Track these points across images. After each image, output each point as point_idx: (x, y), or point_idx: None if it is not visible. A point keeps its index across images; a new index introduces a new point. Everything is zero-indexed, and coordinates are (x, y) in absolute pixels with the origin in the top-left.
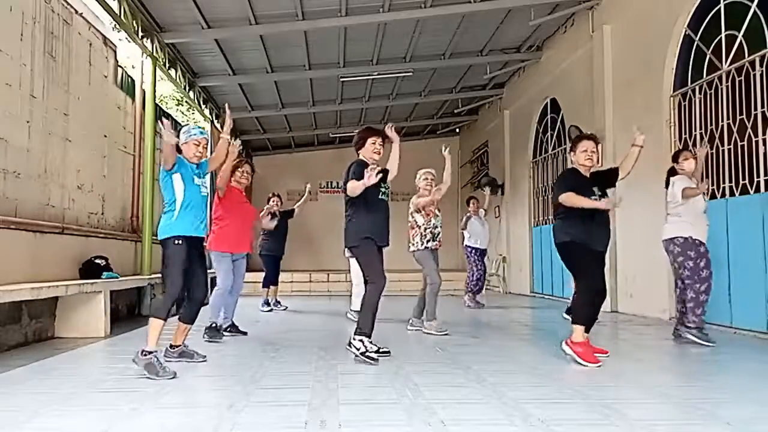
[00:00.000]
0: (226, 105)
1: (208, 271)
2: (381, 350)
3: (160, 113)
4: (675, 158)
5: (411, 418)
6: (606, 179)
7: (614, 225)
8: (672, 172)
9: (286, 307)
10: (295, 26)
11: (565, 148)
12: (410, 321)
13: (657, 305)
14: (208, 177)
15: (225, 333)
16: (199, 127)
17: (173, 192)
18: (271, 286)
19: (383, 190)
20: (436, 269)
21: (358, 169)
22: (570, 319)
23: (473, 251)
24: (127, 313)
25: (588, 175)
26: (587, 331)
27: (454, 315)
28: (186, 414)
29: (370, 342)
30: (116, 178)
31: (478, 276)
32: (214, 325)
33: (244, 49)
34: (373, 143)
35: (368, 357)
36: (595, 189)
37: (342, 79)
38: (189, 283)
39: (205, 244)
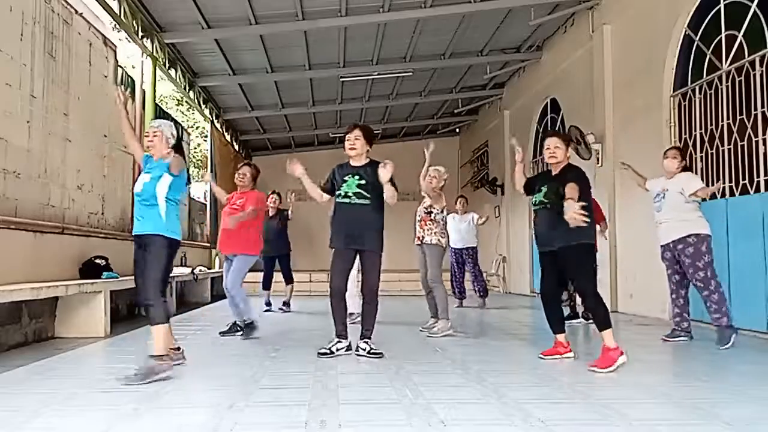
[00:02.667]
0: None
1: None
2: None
3: (160, 113)
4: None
5: (411, 418)
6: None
7: (614, 225)
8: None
9: (281, 310)
10: (295, 26)
11: None
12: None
13: (657, 305)
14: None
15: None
16: (151, 123)
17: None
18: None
19: (343, 192)
20: (420, 268)
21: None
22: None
23: (451, 251)
24: (127, 313)
25: (557, 172)
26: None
27: (454, 315)
28: (186, 414)
29: (338, 341)
30: (116, 178)
31: (459, 279)
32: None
33: (244, 49)
34: (347, 140)
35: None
36: (545, 187)
37: (342, 79)
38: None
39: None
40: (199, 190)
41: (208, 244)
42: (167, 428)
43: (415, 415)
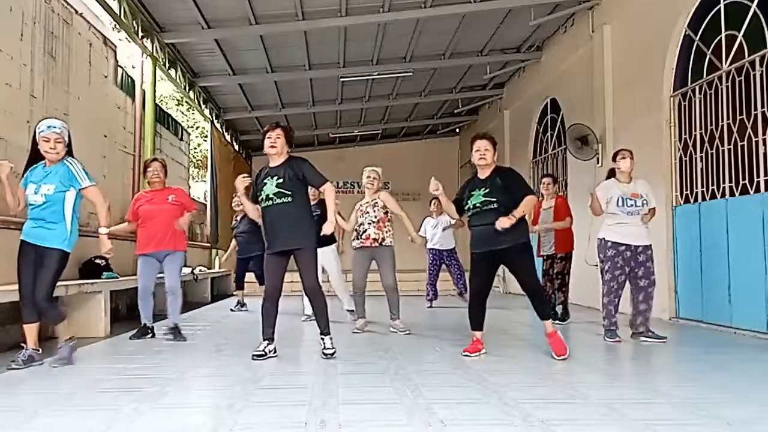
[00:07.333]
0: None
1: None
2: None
3: (160, 113)
4: (614, 157)
5: (411, 418)
6: (510, 192)
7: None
8: (612, 172)
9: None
10: (295, 26)
11: (565, 148)
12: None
13: (656, 305)
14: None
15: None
16: (50, 125)
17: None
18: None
19: (264, 195)
20: (359, 270)
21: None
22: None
23: (429, 252)
24: (127, 313)
25: (487, 174)
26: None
27: (451, 315)
28: (186, 414)
29: (266, 343)
30: (116, 178)
31: (434, 281)
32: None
33: (244, 49)
34: (269, 138)
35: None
36: (483, 189)
37: (342, 79)
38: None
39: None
40: (199, 190)
41: (208, 245)
42: (167, 428)
43: (415, 415)
